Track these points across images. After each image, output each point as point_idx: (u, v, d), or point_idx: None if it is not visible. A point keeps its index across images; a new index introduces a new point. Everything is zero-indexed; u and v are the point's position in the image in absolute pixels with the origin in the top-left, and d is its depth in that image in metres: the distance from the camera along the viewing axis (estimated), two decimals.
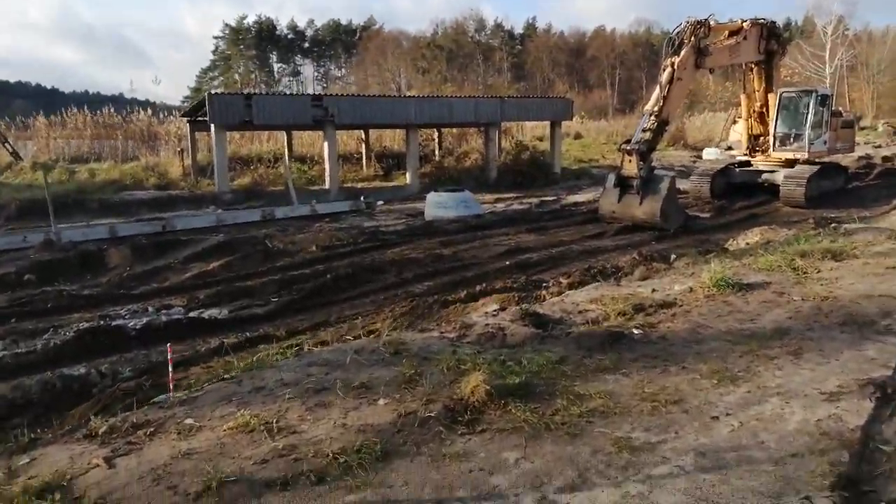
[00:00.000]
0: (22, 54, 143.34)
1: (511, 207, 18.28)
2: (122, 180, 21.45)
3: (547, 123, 27.10)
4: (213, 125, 19.57)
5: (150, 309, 8.93)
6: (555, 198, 20.25)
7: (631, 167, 13.61)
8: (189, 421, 3.78)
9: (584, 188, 22.65)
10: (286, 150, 25.80)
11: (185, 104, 42.40)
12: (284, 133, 26.68)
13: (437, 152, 29.39)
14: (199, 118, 23.07)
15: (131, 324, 8.13)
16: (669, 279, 7.92)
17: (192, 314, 8.73)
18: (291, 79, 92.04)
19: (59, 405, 5.79)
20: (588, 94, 71.05)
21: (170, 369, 4.54)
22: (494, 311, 5.94)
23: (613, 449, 3.64)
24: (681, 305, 6.68)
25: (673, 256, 10.31)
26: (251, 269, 11.13)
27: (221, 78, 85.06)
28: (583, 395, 4.38)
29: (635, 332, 5.66)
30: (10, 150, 22.80)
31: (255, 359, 5.21)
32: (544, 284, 9.12)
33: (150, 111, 29.65)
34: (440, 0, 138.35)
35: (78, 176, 21.70)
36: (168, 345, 4.95)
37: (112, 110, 29.29)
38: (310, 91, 72.94)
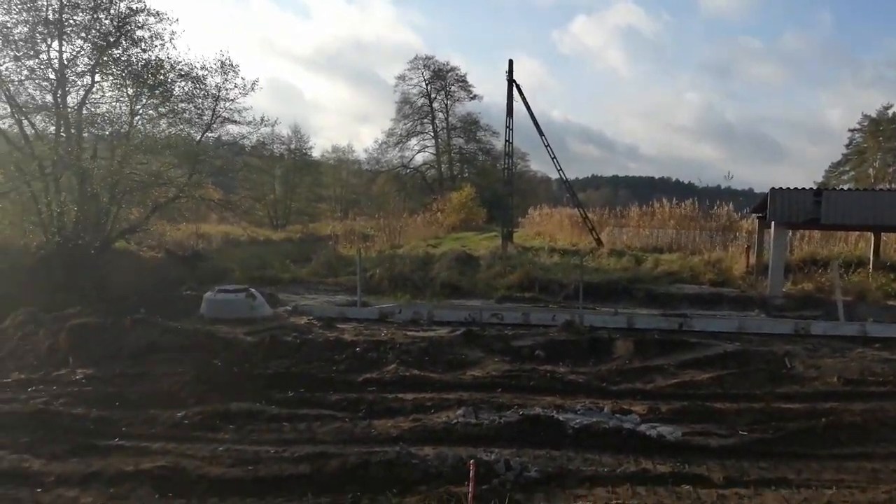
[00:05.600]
0: (668, 152, 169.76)
1: None
2: (680, 272, 21.85)
3: None
4: (772, 222, 18.20)
5: (606, 409, 8.66)
6: None
7: None
8: None
9: None
10: (872, 254, 21.80)
11: None
12: (872, 234, 22.58)
13: None
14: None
15: (574, 421, 8.04)
16: None
17: (641, 427, 8.07)
18: None
19: (455, 483, 6.12)
20: None
21: (469, 491, 4.17)
22: None
23: None
24: None
25: None
26: (742, 390, 9.65)
27: (852, 172, 78.17)
28: None
29: None
30: (595, 237, 26.13)
31: None
32: None
33: (731, 205, 29.59)
34: None
35: (643, 265, 23.20)
36: (472, 461, 4.56)
37: (695, 203, 30.42)
38: None
